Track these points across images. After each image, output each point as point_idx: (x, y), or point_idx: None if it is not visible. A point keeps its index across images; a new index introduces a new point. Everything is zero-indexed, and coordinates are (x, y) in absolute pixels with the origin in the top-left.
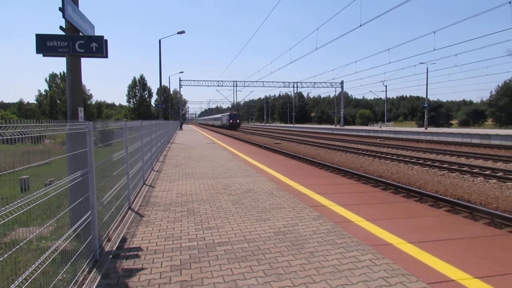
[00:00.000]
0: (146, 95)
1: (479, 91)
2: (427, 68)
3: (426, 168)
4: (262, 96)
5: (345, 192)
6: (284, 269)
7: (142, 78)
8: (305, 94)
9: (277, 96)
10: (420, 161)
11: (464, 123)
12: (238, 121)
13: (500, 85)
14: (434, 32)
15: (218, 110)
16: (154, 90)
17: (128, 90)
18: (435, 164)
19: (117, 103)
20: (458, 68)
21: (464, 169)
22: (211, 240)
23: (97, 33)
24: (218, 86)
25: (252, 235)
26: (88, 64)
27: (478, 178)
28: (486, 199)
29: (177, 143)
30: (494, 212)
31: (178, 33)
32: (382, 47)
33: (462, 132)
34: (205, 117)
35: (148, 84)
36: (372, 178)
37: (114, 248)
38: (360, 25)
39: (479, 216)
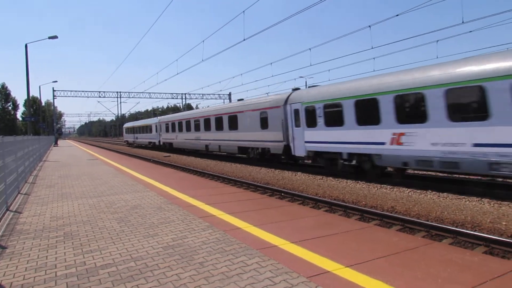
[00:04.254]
0: (10, 107)
1: None
2: (306, 82)
3: (307, 174)
4: (150, 108)
5: (233, 200)
6: (174, 283)
7: (4, 87)
8: (194, 105)
9: (165, 107)
10: (302, 167)
11: None
12: None
13: None
14: (310, 49)
15: (100, 122)
16: (21, 102)
17: None
18: (315, 169)
19: None
20: (331, 82)
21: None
22: (93, 264)
23: None
24: (99, 97)
25: (139, 253)
26: None
27: (350, 180)
28: (357, 198)
29: (51, 161)
30: (363, 209)
31: (50, 37)
32: (265, 61)
33: None
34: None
35: (13, 95)
36: (260, 186)
37: None
38: (244, 39)
39: (351, 213)
